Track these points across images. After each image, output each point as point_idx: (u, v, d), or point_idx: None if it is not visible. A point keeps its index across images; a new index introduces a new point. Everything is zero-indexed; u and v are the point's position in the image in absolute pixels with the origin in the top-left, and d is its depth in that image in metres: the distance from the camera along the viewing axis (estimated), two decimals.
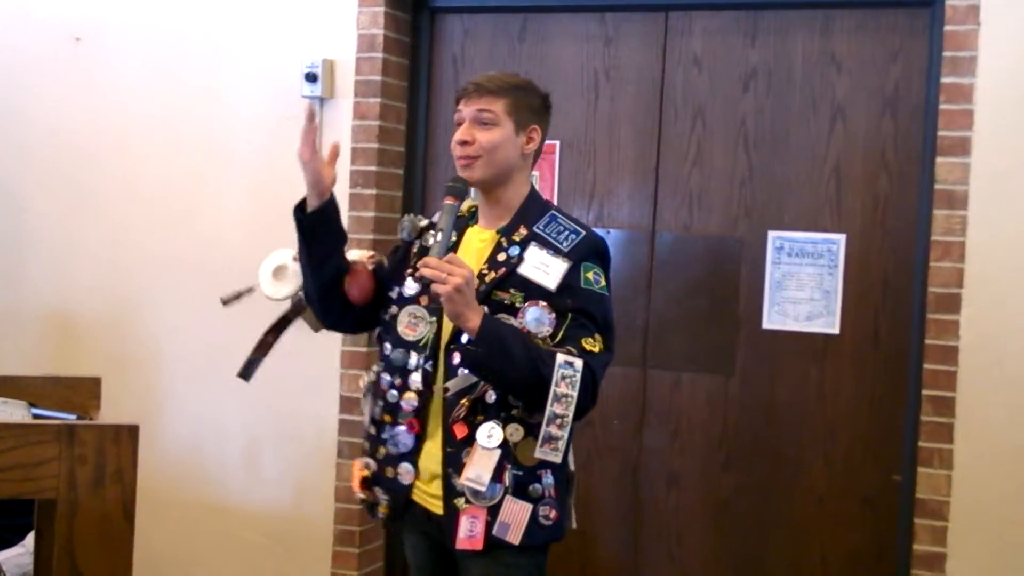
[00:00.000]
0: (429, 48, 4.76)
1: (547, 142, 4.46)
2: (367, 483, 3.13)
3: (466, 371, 2.92)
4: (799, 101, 4.29)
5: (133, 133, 4.93)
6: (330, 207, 3.02)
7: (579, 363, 2.84)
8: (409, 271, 3.08)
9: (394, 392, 3.05)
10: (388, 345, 3.08)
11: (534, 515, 2.93)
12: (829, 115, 4.25)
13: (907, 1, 4.16)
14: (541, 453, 2.85)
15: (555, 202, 4.48)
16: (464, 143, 3.00)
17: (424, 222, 3.15)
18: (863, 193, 4.22)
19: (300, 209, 3.01)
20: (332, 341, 4.47)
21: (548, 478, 2.96)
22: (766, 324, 4.32)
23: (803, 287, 4.28)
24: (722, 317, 4.38)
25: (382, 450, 3.08)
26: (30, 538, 3.68)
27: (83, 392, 2.69)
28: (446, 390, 2.94)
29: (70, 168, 5.01)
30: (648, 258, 4.45)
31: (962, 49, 3.92)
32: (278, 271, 3.30)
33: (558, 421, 2.83)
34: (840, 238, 4.24)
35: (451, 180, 3.01)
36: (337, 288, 3.10)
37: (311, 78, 4.60)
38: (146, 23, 4.91)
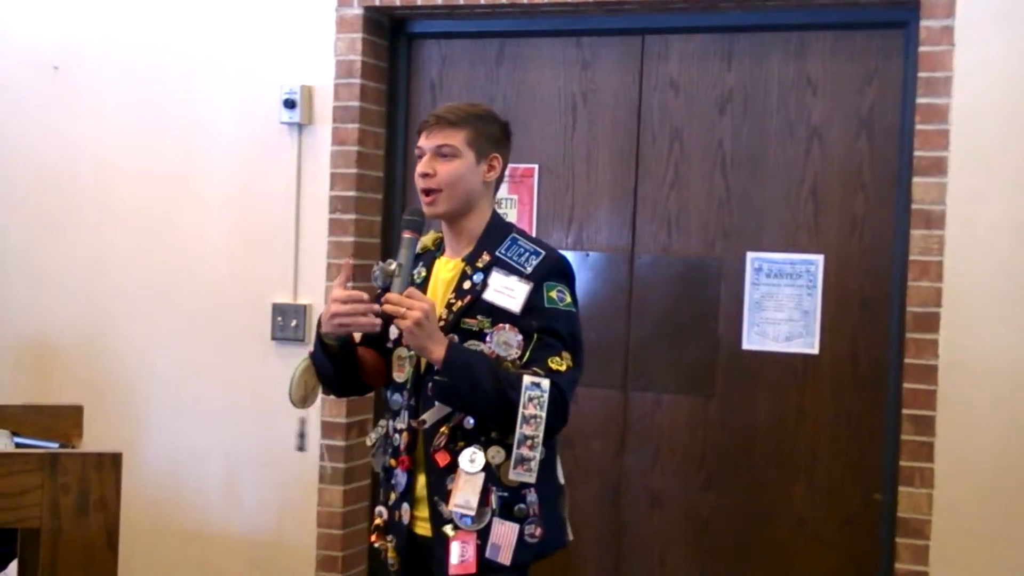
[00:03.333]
0: (407, 73, 4.77)
1: (525, 166, 4.51)
2: (379, 531, 3.15)
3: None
4: (775, 123, 4.31)
5: (110, 161, 4.92)
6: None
7: (546, 383, 2.87)
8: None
9: (396, 436, 3.09)
10: (388, 391, 3.15)
11: (520, 534, 2.96)
12: (805, 137, 4.28)
13: (882, 23, 4.19)
14: (515, 475, 2.88)
15: (534, 226, 4.51)
16: (425, 175, 3.05)
17: (394, 265, 3.09)
18: (840, 214, 4.24)
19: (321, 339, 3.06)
20: None
21: (532, 496, 2.98)
22: (746, 345, 4.33)
23: (782, 308, 4.29)
24: (702, 338, 4.39)
25: (392, 495, 3.11)
26: (13, 567, 3.66)
27: (65, 420, 2.69)
28: (423, 422, 2.98)
29: (47, 196, 5.00)
30: (627, 280, 4.46)
31: (937, 70, 3.94)
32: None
33: (528, 442, 2.86)
34: (818, 258, 4.26)
35: (408, 213, 3.06)
36: (353, 380, 3.17)
37: (289, 104, 4.60)
38: (123, 52, 4.91)
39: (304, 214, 4.66)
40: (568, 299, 3.02)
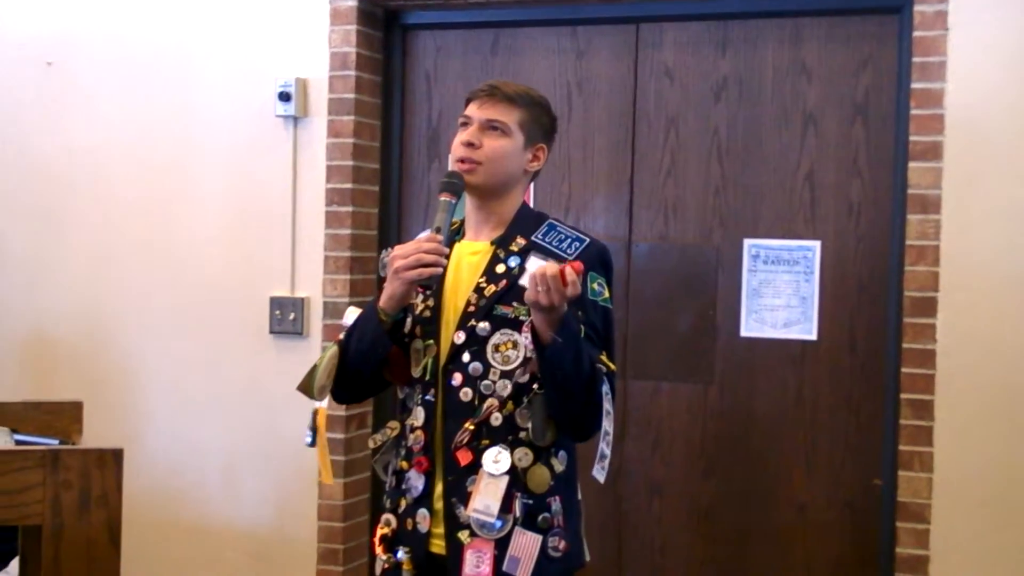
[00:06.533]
0: (402, 65, 4.77)
1: None
2: (387, 542, 2.91)
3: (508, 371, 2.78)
4: (771, 110, 4.32)
5: (106, 156, 4.92)
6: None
7: (606, 380, 2.73)
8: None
9: (411, 435, 2.87)
10: (406, 388, 2.94)
11: (543, 547, 2.77)
12: (801, 123, 4.28)
13: (876, 8, 4.19)
14: (597, 471, 2.72)
15: None
16: (470, 145, 2.87)
17: (429, 231, 2.90)
18: (836, 199, 4.25)
19: (374, 312, 2.85)
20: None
21: (557, 505, 2.82)
22: (744, 332, 4.34)
23: (780, 294, 4.30)
24: (700, 326, 4.40)
25: (403, 501, 2.89)
26: (14, 564, 3.66)
27: (65, 417, 2.68)
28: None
29: (43, 192, 5.00)
30: (625, 269, 4.46)
31: (931, 54, 3.95)
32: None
33: (608, 438, 2.71)
34: (815, 244, 4.26)
35: (446, 175, 2.88)
36: (376, 377, 2.96)
37: (284, 97, 4.60)
38: (117, 47, 4.90)
39: (301, 207, 4.66)
40: (607, 294, 2.86)
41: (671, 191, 4.43)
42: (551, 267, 2.56)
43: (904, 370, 3.99)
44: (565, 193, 4.55)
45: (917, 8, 3.97)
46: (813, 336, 4.27)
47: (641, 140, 4.47)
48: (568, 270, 2.55)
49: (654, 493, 4.46)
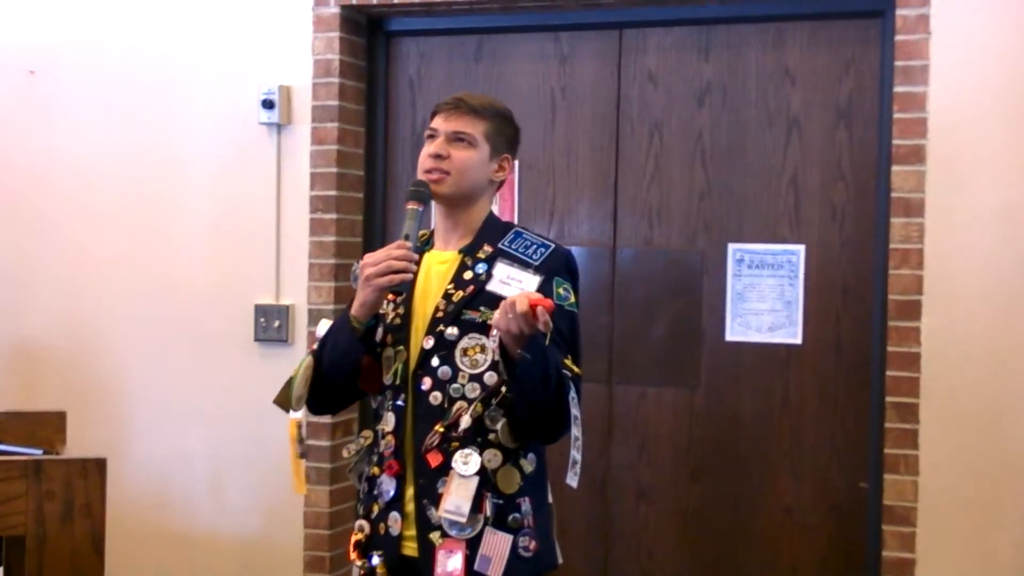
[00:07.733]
0: (385, 72, 4.76)
1: None
2: (361, 548, 2.94)
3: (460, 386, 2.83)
4: (754, 114, 4.32)
5: (90, 164, 4.90)
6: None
7: (571, 384, 2.75)
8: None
9: (382, 441, 2.93)
10: (379, 397, 2.99)
11: (513, 547, 2.81)
12: (784, 127, 4.29)
13: (858, 12, 4.20)
14: (570, 478, 2.75)
15: (515, 221, 4.50)
16: (438, 156, 2.91)
17: (399, 239, 2.93)
18: (820, 203, 4.25)
19: (348, 318, 2.89)
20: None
21: (527, 506, 2.86)
22: (729, 336, 4.34)
23: (764, 298, 4.30)
24: (685, 330, 4.40)
25: (375, 507, 2.92)
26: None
27: (48, 426, 2.68)
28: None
29: (27, 200, 4.98)
30: (610, 274, 4.46)
31: (914, 58, 3.96)
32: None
33: (578, 443, 2.76)
34: (799, 249, 4.26)
35: (413, 184, 2.92)
36: (350, 386, 3.00)
37: (268, 105, 4.60)
38: (100, 55, 4.89)
39: (285, 214, 4.65)
40: (572, 299, 2.91)
41: (655, 196, 4.43)
42: (521, 302, 2.56)
43: (889, 373, 4.00)
44: (549, 199, 4.55)
45: (899, 12, 3.98)
46: (798, 340, 4.28)
47: (625, 145, 4.47)
48: (540, 309, 2.55)
49: (640, 497, 4.46)
